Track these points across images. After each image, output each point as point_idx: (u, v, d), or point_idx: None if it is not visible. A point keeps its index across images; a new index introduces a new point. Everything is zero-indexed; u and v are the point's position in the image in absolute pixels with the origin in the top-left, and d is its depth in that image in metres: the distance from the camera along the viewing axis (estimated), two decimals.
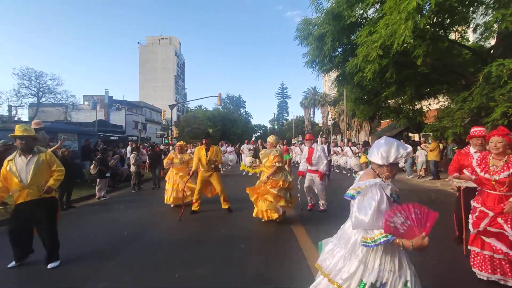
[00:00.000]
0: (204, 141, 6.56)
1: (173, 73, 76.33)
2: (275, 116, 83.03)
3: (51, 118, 31.39)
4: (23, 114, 29.85)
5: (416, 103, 13.65)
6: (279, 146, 13.95)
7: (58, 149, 6.87)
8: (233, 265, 3.63)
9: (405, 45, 7.20)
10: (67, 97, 30.21)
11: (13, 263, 3.70)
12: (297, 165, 19.53)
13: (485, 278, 3.06)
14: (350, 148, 13.93)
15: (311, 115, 68.80)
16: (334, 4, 10.43)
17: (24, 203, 3.61)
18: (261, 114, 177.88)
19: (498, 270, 2.96)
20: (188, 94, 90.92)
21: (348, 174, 13.47)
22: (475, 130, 3.99)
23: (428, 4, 6.89)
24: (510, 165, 2.95)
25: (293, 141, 45.85)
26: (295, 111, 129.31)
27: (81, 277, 3.41)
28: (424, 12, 6.67)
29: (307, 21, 12.26)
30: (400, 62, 8.91)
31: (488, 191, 3.11)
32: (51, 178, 3.77)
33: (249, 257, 3.89)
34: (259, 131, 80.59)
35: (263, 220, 5.39)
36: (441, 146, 11.38)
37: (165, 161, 7.64)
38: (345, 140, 24.18)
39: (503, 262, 2.94)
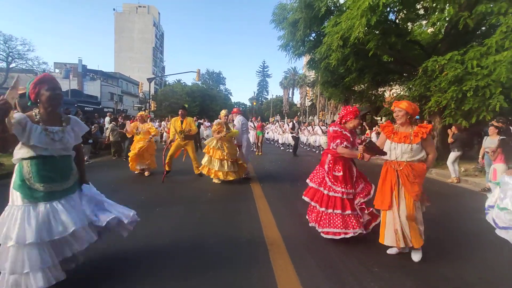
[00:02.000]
0: (180, 113, 7.47)
1: (151, 45, 73.74)
2: (255, 95, 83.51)
3: (21, 85, 30.20)
4: None
5: (379, 89, 15.11)
6: (251, 121, 15.09)
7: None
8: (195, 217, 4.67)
9: (360, 38, 8.30)
10: (39, 64, 29.12)
11: None
12: (271, 142, 20.91)
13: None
14: (320, 128, 15.33)
15: (290, 96, 69.93)
16: None
17: None
18: (241, 92, 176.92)
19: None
20: (167, 68, 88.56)
21: (316, 152, 14.75)
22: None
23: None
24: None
25: (271, 120, 47.09)
26: (275, 90, 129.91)
27: None
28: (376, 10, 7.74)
29: (282, 6, 13.06)
30: (359, 52, 10.08)
31: None
32: None
33: (211, 206, 5.02)
34: (240, 107, 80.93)
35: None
36: None
37: (129, 130, 8.13)
38: (317, 121, 25.72)
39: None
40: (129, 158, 7.56)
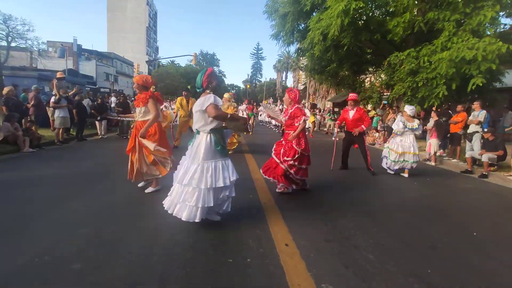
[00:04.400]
0: (184, 94, 9.04)
1: (145, 24, 73.09)
2: (249, 77, 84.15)
3: (18, 64, 30.88)
4: None
5: (361, 76, 16.85)
6: (244, 104, 16.77)
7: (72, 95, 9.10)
8: None
9: (335, 36, 9.96)
10: (38, 44, 29.79)
11: None
12: (265, 124, 22.54)
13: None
14: (309, 110, 17.15)
15: (283, 79, 70.97)
16: None
17: None
18: (235, 74, 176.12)
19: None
20: (160, 48, 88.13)
21: (307, 133, 16.54)
22: (350, 95, 6.54)
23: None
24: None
25: (264, 102, 48.60)
26: (269, 73, 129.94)
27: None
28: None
29: None
30: (338, 45, 11.72)
31: None
32: None
33: None
34: (232, 91, 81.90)
35: None
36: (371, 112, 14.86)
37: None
38: (307, 104, 27.54)
39: None
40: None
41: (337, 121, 7.12)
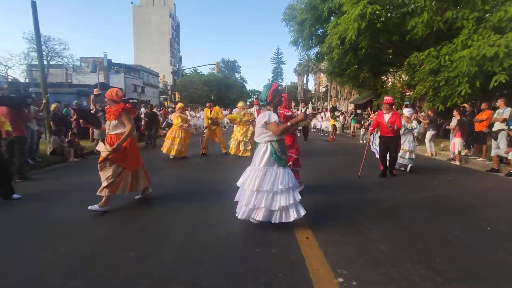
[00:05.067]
0: (208, 105, 9.62)
1: (168, 36, 76.16)
2: (270, 82, 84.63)
3: (54, 79, 33.45)
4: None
5: (382, 77, 16.75)
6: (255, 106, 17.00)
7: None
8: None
9: (353, 40, 10.16)
10: (73, 61, 32.20)
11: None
12: None
13: None
14: (325, 114, 17.20)
15: (305, 82, 70.76)
16: None
17: None
18: (256, 79, 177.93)
19: None
20: (183, 57, 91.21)
21: (326, 135, 16.37)
22: (386, 98, 6.35)
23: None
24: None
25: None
26: (289, 77, 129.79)
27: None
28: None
29: (291, 7, 14.92)
30: (356, 48, 11.86)
31: None
32: (5, 126, 4.80)
33: None
34: (254, 96, 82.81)
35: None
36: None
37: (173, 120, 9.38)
38: (328, 107, 27.50)
39: None
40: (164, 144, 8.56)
41: (371, 128, 6.74)
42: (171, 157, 8.39)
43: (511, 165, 6.70)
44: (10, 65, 28.61)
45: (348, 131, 18.47)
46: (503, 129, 7.37)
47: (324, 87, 49.60)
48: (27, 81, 29.66)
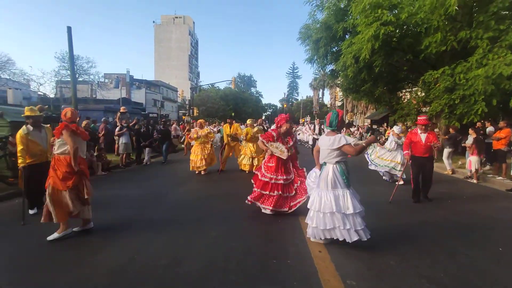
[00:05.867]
0: (228, 121, 10.05)
1: (187, 52, 78.98)
2: (285, 96, 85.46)
3: (80, 95, 35.34)
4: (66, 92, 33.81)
5: (397, 93, 16.82)
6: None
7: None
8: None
9: (367, 59, 10.44)
10: (99, 78, 34.08)
11: (35, 210, 4.85)
12: (303, 144, 22.82)
13: None
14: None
15: (320, 96, 70.99)
16: (326, 17, 13.57)
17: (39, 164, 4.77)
18: (272, 93, 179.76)
19: None
20: (201, 72, 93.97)
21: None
22: (420, 118, 5.88)
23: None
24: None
25: (301, 121, 49.16)
26: (305, 91, 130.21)
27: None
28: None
29: (307, 26, 15.41)
30: (371, 66, 12.11)
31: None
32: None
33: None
34: (269, 110, 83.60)
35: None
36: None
37: (191, 135, 9.73)
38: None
39: None
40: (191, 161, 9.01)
41: (405, 152, 6.04)
42: (202, 172, 8.82)
43: None
44: (42, 82, 30.52)
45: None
46: None
47: (340, 101, 49.63)
48: (56, 96, 31.55)
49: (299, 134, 23.16)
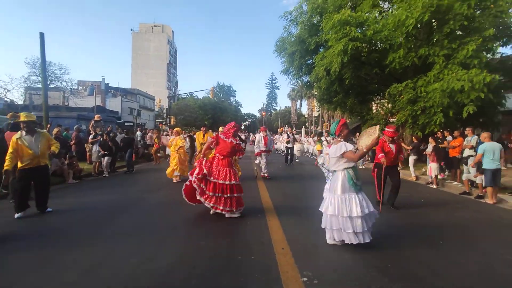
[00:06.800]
0: (202, 129, 10.19)
1: (166, 61, 78.40)
2: (264, 106, 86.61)
3: (51, 102, 34.02)
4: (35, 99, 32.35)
5: (369, 104, 17.75)
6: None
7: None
8: None
9: (337, 71, 11.10)
10: (72, 85, 33.10)
11: (20, 213, 4.86)
12: (280, 152, 23.00)
13: None
14: (312, 139, 17.97)
15: (298, 106, 72.61)
16: (300, 32, 14.26)
17: (33, 168, 4.94)
18: (251, 103, 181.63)
19: None
20: (179, 81, 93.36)
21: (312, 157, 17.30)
22: (388, 131, 6.01)
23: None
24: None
25: (279, 130, 49.96)
26: (284, 101, 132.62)
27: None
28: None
29: (282, 40, 16.06)
30: (342, 78, 12.81)
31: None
32: (53, 146, 5.30)
33: None
34: (248, 120, 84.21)
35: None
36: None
37: (166, 143, 10.10)
38: (315, 132, 28.52)
39: None
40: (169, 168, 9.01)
41: (381, 154, 5.90)
42: (174, 180, 8.79)
43: (479, 188, 7.32)
44: (9, 88, 29.20)
45: None
46: (471, 155, 8.08)
47: (317, 111, 51.01)
48: (25, 103, 30.21)
49: (276, 144, 23.57)
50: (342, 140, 3.67)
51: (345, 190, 3.55)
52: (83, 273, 2.90)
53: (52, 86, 31.30)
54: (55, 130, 9.64)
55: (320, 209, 3.78)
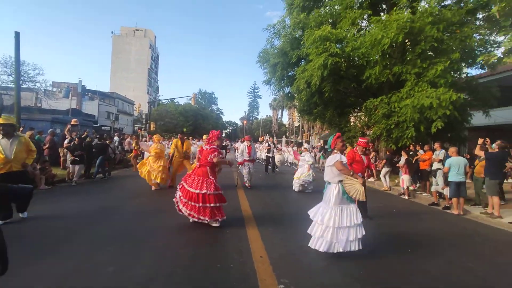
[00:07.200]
0: (179, 136, 9.99)
1: (147, 66, 77.25)
2: (246, 115, 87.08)
3: (23, 103, 32.30)
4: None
5: (346, 117, 18.40)
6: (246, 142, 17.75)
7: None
8: None
9: (317, 85, 11.51)
10: (46, 86, 31.80)
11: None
12: (261, 161, 23.16)
13: None
14: (292, 148, 18.31)
15: (279, 116, 73.60)
16: (282, 44, 14.68)
17: (6, 173, 4.71)
18: (233, 111, 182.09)
19: None
20: (160, 87, 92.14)
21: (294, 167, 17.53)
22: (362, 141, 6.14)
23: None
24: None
25: (260, 139, 50.29)
26: (265, 111, 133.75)
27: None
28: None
29: (265, 51, 16.44)
30: (322, 91, 13.28)
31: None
32: (29, 157, 5.08)
33: None
34: (230, 128, 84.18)
35: None
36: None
37: (147, 149, 9.91)
38: (295, 142, 29.11)
39: None
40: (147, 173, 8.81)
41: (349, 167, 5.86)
42: (153, 188, 8.62)
43: (446, 199, 7.78)
44: None
45: (317, 165, 19.59)
46: (439, 168, 8.60)
47: (297, 121, 51.93)
48: None
49: (256, 152, 23.71)
50: (338, 152, 3.93)
51: (339, 202, 3.73)
52: (57, 282, 2.84)
53: (24, 86, 29.86)
54: (28, 134, 9.24)
55: (311, 218, 3.90)
